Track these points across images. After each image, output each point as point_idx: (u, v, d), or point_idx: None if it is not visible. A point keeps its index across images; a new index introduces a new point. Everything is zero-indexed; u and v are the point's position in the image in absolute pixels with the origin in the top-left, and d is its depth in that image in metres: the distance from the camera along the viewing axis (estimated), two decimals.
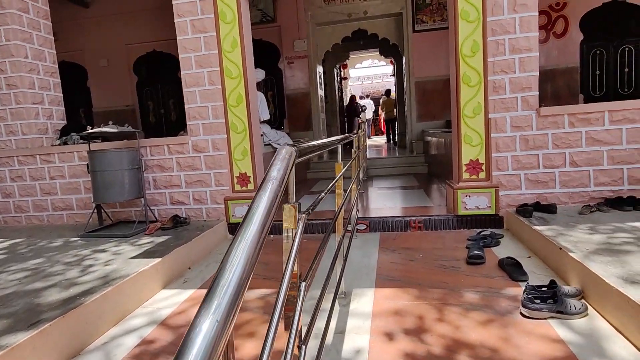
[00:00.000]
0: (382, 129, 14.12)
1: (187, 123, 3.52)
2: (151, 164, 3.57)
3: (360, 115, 10.23)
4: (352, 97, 10.50)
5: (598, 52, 6.57)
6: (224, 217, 3.53)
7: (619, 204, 2.83)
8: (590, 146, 2.99)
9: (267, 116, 4.06)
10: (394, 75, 9.63)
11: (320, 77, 7.44)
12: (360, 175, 4.33)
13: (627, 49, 6.50)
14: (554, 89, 6.46)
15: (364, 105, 8.17)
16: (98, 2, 7.41)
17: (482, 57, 3.04)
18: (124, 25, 7.44)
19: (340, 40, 7.11)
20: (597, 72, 6.61)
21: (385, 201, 4.03)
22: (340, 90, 10.15)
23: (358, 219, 3.30)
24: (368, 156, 6.60)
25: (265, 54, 7.16)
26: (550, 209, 2.87)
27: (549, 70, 6.36)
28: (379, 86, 16.16)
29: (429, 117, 6.86)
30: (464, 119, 3.13)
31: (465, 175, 3.19)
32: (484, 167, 3.15)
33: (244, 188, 3.51)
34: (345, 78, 12.18)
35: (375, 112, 14.72)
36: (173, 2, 3.41)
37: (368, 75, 16.29)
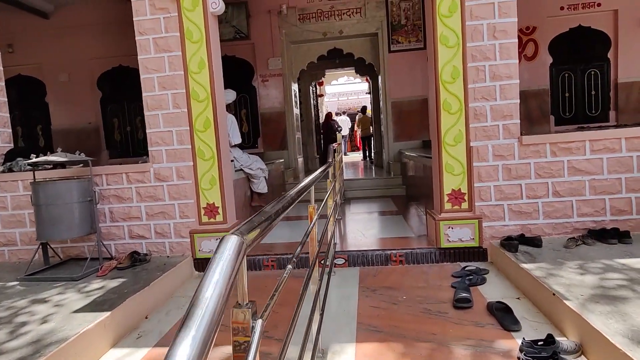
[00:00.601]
0: (358, 145, 14.10)
1: (149, 149, 3.22)
2: (107, 194, 3.22)
3: (336, 135, 10.13)
4: (328, 115, 10.38)
5: (566, 75, 6.75)
6: (189, 252, 3.22)
7: (603, 236, 2.75)
8: (572, 176, 2.91)
9: (238, 140, 3.81)
10: (369, 93, 9.61)
11: (295, 96, 7.27)
12: (338, 200, 4.13)
13: (593, 72, 6.72)
14: (526, 111, 6.54)
15: (339, 127, 8.04)
16: (58, 13, 6.99)
17: (463, 84, 2.94)
18: (87, 38, 7.03)
19: (315, 58, 6.99)
20: (566, 95, 6.78)
21: (364, 230, 3.83)
22: (316, 107, 10.03)
23: (336, 253, 3.08)
24: (345, 177, 6.44)
25: (239, 71, 6.94)
26: (535, 242, 2.75)
27: (521, 92, 6.37)
28: (355, 102, 16.22)
29: (406, 137, 6.80)
30: (445, 147, 2.99)
31: (448, 206, 3.04)
32: (466, 197, 3.01)
33: (211, 220, 3.22)
34: (321, 95, 12.10)
35: (352, 128, 14.72)
36: (134, 19, 3.14)
37: (344, 92, 16.33)
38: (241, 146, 7.13)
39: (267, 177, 4.27)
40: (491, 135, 2.95)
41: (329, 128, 10.06)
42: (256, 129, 7.07)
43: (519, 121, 2.95)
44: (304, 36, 6.72)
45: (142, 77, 3.18)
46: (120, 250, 3.25)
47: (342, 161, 5.37)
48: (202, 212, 3.22)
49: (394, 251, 3.06)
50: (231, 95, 3.88)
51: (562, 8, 6.57)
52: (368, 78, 9.13)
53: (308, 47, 6.95)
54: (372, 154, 9.89)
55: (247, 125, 7.09)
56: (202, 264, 3.21)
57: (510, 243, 2.72)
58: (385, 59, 6.67)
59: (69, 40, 7.09)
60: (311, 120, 8.92)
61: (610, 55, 6.62)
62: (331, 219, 2.63)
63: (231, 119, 3.77)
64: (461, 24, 2.90)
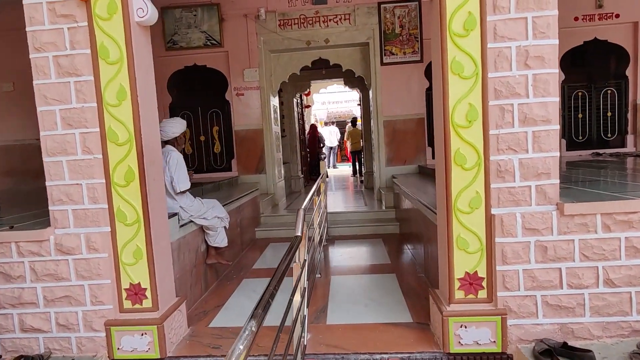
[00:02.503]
0: (348, 157, 13.32)
1: (50, 208, 2.34)
2: None
3: (322, 147, 9.23)
4: (313, 126, 9.54)
5: (580, 94, 6.01)
6: (104, 350, 2.33)
7: None
8: (631, 259, 2.11)
9: (185, 185, 2.94)
10: (360, 105, 8.81)
11: (275, 112, 6.43)
12: (320, 240, 3.29)
13: (609, 91, 5.99)
14: None
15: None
16: (1, 14, 6.03)
17: (482, 129, 2.12)
18: None
19: (298, 70, 6.16)
20: (580, 116, 6.04)
21: (347, 303, 2.98)
22: (302, 120, 9.18)
23: (306, 357, 2.23)
24: (331, 206, 5.60)
25: (211, 83, 6.07)
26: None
27: None
28: (346, 111, 15.39)
29: (400, 161, 6.00)
30: (456, 215, 2.17)
31: (459, 294, 2.21)
32: (485, 284, 2.19)
33: (137, 306, 2.35)
34: (308, 106, 11.26)
35: (341, 138, 13.94)
36: (27, 29, 2.30)
37: (333, 100, 15.48)
38: (213, 169, 6.32)
39: (227, 227, 3.40)
40: (520, 200, 2.14)
41: (317, 141, 9.24)
42: (230, 149, 6.20)
43: (558, 181, 2.14)
44: (284, 44, 5.88)
45: (39, 109, 2.32)
46: (9, 348, 2.36)
47: (326, 202, 4.54)
48: (124, 295, 2.34)
49: (385, 356, 2.23)
50: (179, 127, 3.02)
51: (576, 19, 5.83)
52: (358, 90, 8.33)
53: (289, 56, 6.11)
54: (363, 170, 9.10)
55: (219, 145, 6.22)
56: None
57: None
58: (377, 72, 5.87)
59: (14, 44, 6.12)
60: (295, 136, 8.08)
61: (628, 72, 5.90)
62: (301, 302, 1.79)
63: (176, 159, 2.90)
64: (481, 47, 2.08)
